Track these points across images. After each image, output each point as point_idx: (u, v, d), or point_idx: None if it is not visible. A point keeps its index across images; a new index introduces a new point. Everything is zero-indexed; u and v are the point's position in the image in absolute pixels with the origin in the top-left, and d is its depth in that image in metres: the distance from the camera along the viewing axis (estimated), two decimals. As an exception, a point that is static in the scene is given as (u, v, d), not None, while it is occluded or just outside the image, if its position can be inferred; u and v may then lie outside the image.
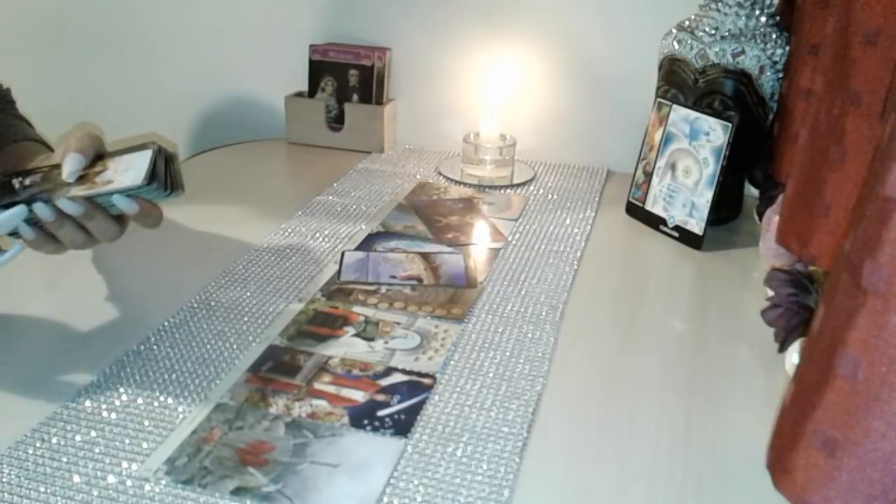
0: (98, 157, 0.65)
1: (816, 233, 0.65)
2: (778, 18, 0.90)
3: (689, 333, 0.72)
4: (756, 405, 0.62)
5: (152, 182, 0.60)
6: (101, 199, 0.61)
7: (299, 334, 0.69)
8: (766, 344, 0.69)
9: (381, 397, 0.61)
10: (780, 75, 0.89)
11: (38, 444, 0.54)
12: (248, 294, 0.76)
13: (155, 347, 0.66)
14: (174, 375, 0.63)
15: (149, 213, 0.63)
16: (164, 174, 0.62)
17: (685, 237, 0.90)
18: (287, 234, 0.89)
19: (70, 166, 0.62)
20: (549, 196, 1.04)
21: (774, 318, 0.69)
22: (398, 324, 0.71)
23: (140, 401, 0.59)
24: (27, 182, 0.63)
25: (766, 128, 0.91)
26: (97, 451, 0.54)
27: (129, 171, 0.61)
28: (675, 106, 0.91)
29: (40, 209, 0.60)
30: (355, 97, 1.18)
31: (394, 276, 0.80)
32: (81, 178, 0.62)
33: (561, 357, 0.68)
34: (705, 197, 0.88)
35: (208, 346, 0.67)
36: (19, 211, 0.60)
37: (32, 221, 0.61)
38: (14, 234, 0.62)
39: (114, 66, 1.32)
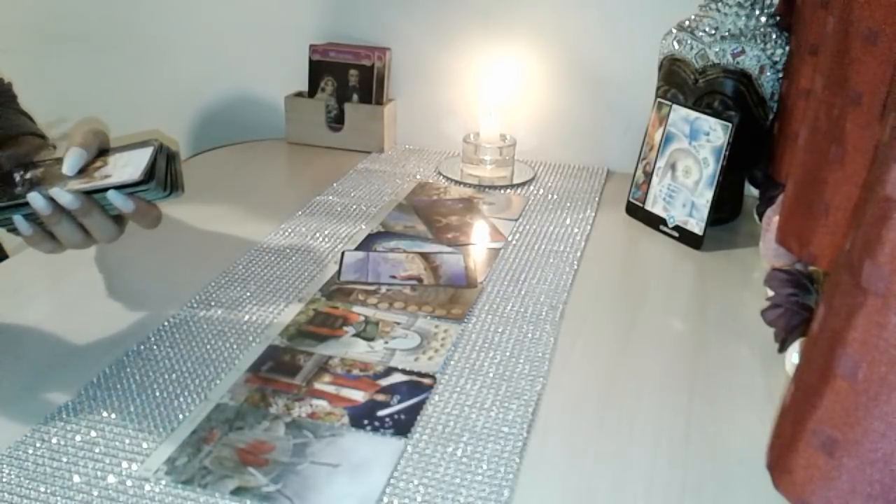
0: (101, 152, 0.65)
1: (816, 233, 0.65)
2: (778, 18, 0.90)
3: (689, 333, 0.72)
4: (756, 405, 0.62)
5: (150, 180, 0.60)
6: (99, 198, 0.61)
7: (299, 334, 0.69)
8: (766, 344, 0.69)
9: (381, 397, 0.61)
10: (780, 75, 0.89)
11: (38, 444, 0.54)
12: (248, 294, 0.76)
13: (155, 347, 0.66)
14: (174, 375, 0.63)
15: (146, 213, 0.62)
16: (165, 173, 0.62)
17: (685, 237, 0.90)
18: (287, 234, 0.89)
19: (70, 160, 0.62)
20: (549, 196, 1.04)
21: (774, 318, 0.69)
22: (398, 324, 0.71)
23: (140, 401, 0.59)
24: (28, 175, 0.63)
25: (766, 128, 0.91)
26: (97, 451, 0.54)
27: (127, 167, 0.61)
28: (675, 106, 0.91)
29: (35, 199, 0.59)
30: (355, 97, 1.18)
31: (394, 276, 0.80)
32: (81, 173, 0.62)
33: (561, 357, 0.68)
34: (705, 197, 0.88)
35: (208, 346, 0.67)
36: None
37: (30, 216, 0.61)
38: (12, 230, 0.62)
39: (114, 65, 1.32)
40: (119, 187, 0.60)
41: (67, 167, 0.61)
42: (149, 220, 0.63)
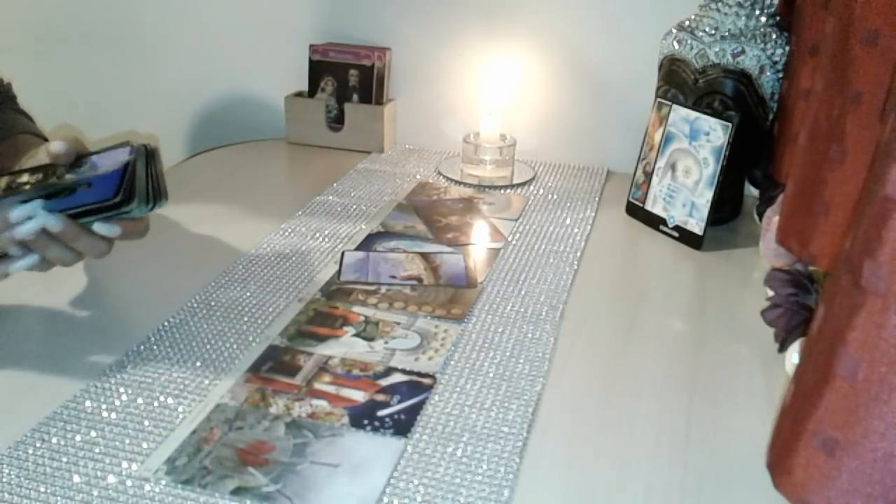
0: (78, 157, 0.64)
1: (816, 233, 0.65)
2: (778, 18, 0.90)
3: (689, 333, 0.72)
4: (756, 405, 0.62)
5: (131, 200, 0.60)
6: (84, 222, 0.61)
7: (299, 334, 0.69)
8: (766, 344, 0.69)
9: (381, 397, 0.61)
10: (780, 75, 0.89)
11: (38, 444, 0.54)
12: (248, 294, 0.76)
13: (155, 347, 0.66)
14: (174, 375, 0.63)
15: (133, 230, 0.63)
16: (146, 183, 0.61)
17: (685, 237, 0.90)
18: (287, 234, 0.89)
19: (56, 147, 0.62)
20: (549, 196, 1.04)
21: (774, 318, 0.69)
22: (398, 324, 0.71)
23: (140, 401, 0.59)
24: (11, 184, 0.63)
25: (766, 128, 0.91)
26: (97, 451, 0.54)
27: (109, 163, 0.61)
28: (675, 106, 0.91)
29: (23, 229, 0.59)
30: (355, 97, 1.18)
31: (394, 276, 0.80)
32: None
33: (561, 357, 0.68)
34: (705, 197, 0.88)
35: (208, 346, 0.67)
36: (34, 205, 0.60)
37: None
38: (4, 254, 0.62)
39: (113, 65, 1.32)
40: (100, 210, 0.60)
41: (56, 147, 0.62)
42: (137, 234, 0.65)
